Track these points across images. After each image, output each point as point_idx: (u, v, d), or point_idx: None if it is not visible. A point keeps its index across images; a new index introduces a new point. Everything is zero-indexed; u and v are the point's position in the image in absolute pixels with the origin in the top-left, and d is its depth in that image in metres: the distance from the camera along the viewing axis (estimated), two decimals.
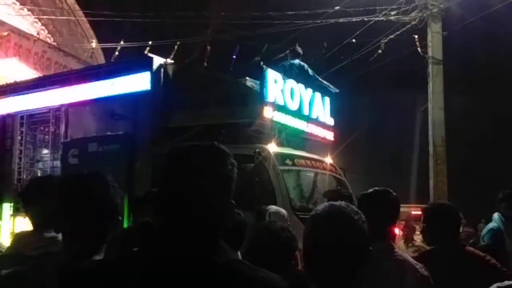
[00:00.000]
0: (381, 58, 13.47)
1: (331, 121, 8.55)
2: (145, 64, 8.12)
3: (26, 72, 13.59)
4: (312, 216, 1.84)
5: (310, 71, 8.76)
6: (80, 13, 17.10)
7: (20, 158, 9.05)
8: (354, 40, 13.48)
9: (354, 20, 13.49)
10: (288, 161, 7.59)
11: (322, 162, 8.04)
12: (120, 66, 8.58)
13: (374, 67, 14.21)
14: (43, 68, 14.20)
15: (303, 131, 8.08)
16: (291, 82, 7.85)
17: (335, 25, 13.84)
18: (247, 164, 7.45)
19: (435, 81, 12.66)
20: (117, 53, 13.18)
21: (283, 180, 7.29)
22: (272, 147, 7.47)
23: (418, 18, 12.91)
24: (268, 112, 7.48)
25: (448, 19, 13.18)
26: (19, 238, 2.71)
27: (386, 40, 13.08)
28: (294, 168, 7.64)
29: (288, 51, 9.13)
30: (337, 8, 13.72)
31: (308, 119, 8.07)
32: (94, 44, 15.76)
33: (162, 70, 8.06)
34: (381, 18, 13.28)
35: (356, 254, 1.78)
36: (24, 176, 8.97)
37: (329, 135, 8.50)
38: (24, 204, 2.89)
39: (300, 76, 8.33)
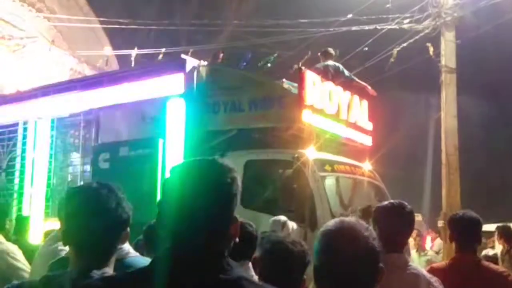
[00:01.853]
0: (394, 66, 13.01)
1: (369, 126, 7.87)
2: (178, 66, 7.55)
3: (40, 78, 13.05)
4: (322, 233, 1.75)
5: (346, 72, 8.14)
6: (95, 20, 16.64)
7: (50, 163, 8.45)
8: (366, 48, 13.14)
9: (366, 28, 13.11)
10: (327, 167, 7.00)
11: (361, 168, 7.38)
12: (152, 69, 7.97)
13: (386, 75, 13.67)
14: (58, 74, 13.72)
15: (341, 136, 7.41)
16: (329, 85, 7.21)
17: (347, 33, 13.50)
18: (285, 170, 6.84)
19: (448, 90, 12.13)
20: (132, 59, 12.72)
21: (323, 187, 6.64)
22: (311, 153, 6.84)
23: (432, 27, 12.44)
24: (306, 116, 6.84)
25: (461, 27, 12.67)
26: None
27: (399, 49, 12.56)
28: (333, 174, 7.03)
29: (319, 53, 8.44)
30: (349, 16, 13.40)
31: (346, 123, 7.39)
32: (108, 51, 15.29)
33: (195, 72, 7.43)
34: (394, 27, 12.84)
35: (368, 271, 1.69)
36: (54, 181, 8.42)
37: (368, 140, 7.85)
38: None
39: (336, 77, 7.65)
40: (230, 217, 1.55)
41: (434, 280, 2.79)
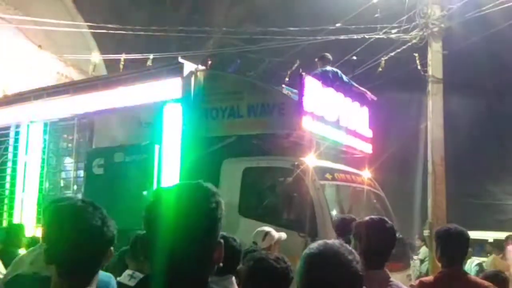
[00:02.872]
0: (382, 76, 12.88)
1: (369, 133, 7.59)
2: (175, 71, 7.23)
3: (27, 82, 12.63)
4: (305, 255, 1.71)
5: (344, 77, 7.87)
6: (83, 24, 16.25)
7: (42, 167, 8.06)
8: (354, 57, 12.88)
9: (355, 37, 13.02)
10: (328, 175, 6.72)
11: (361, 176, 7.11)
12: (149, 72, 7.61)
13: (374, 84, 13.56)
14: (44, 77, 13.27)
15: (341, 144, 7.13)
16: (330, 91, 6.93)
17: (336, 42, 13.28)
18: (284, 178, 6.54)
19: (434, 100, 12.00)
20: (121, 65, 12.39)
21: (324, 196, 6.35)
22: (311, 160, 6.54)
23: (419, 37, 12.37)
24: (307, 123, 6.54)
25: (448, 38, 12.62)
26: (37, 258, 2.62)
27: (386, 58, 12.49)
28: (334, 182, 6.72)
29: (316, 59, 8.16)
30: (338, 25, 13.27)
31: (346, 130, 7.11)
32: (96, 55, 14.94)
33: (193, 76, 7.11)
34: (382, 36, 12.72)
35: None
36: (47, 186, 8.04)
37: (367, 148, 7.57)
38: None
39: (334, 83, 7.37)
40: (214, 242, 1.51)
41: None
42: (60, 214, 1.86)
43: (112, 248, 1.88)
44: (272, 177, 6.86)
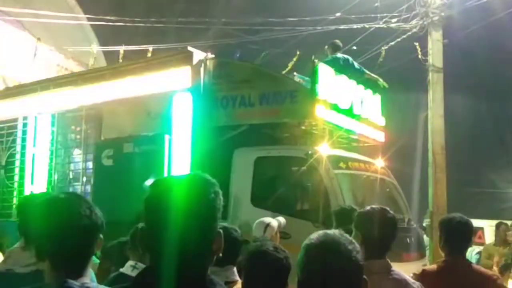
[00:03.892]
0: (382, 65, 12.69)
1: (382, 121, 7.37)
2: (185, 59, 6.98)
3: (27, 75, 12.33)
4: (305, 246, 1.68)
5: (356, 64, 7.65)
6: (82, 16, 15.96)
7: (51, 159, 7.84)
8: (354, 47, 12.46)
9: (355, 26, 12.69)
10: (342, 164, 6.49)
11: (374, 165, 6.91)
12: (157, 62, 7.35)
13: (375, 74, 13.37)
14: (43, 70, 13.02)
15: (354, 132, 6.91)
16: (342, 78, 6.70)
17: (336, 32, 12.88)
18: (298, 167, 6.34)
19: (435, 89, 11.77)
20: (120, 57, 12.15)
21: (338, 185, 6.14)
22: (325, 149, 6.33)
23: (419, 26, 12.11)
24: (320, 111, 6.31)
25: (449, 27, 12.41)
26: (10, 255, 2.63)
27: (387, 47, 12.11)
28: (348, 172, 6.51)
29: (326, 47, 7.91)
30: (338, 14, 12.99)
31: (359, 118, 6.90)
32: (95, 47, 14.70)
33: (202, 65, 6.87)
34: (381, 25, 12.46)
35: (351, 285, 1.64)
36: (56, 177, 7.83)
37: (380, 136, 7.35)
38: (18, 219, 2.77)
39: (346, 70, 7.14)
40: (214, 233, 1.49)
41: (416, 285, 2.75)
42: (45, 208, 1.81)
43: (101, 236, 1.85)
44: (285, 167, 6.65)
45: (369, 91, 7.24)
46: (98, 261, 5.24)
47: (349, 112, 6.81)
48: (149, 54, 11.64)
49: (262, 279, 2.47)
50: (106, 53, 15.48)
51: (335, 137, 6.74)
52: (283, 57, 12.19)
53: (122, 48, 12.52)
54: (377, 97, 7.43)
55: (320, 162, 6.20)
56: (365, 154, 7.29)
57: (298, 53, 10.71)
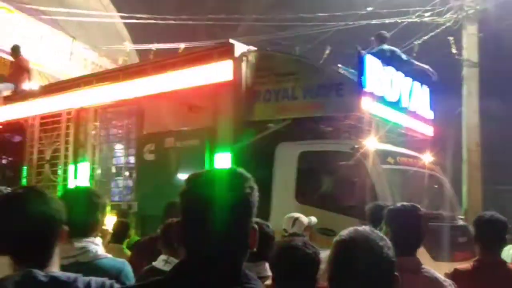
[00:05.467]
0: (416, 60, 12.27)
1: (430, 115, 7.03)
2: (226, 52, 6.74)
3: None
4: (336, 242, 1.67)
5: (403, 56, 7.32)
6: (115, 14, 16.01)
7: (93, 154, 7.77)
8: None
9: (387, 21, 12.36)
10: (390, 159, 6.16)
11: (422, 160, 6.57)
12: (199, 55, 7.16)
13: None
14: (79, 67, 13.19)
15: (402, 126, 6.59)
16: (390, 70, 6.38)
17: (367, 27, 12.64)
18: (343, 162, 6.04)
19: (469, 84, 11.54)
20: (151, 55, 12.13)
21: (386, 181, 5.84)
22: (372, 143, 6.03)
23: (453, 20, 11.80)
24: (366, 104, 6.01)
25: (484, 20, 12.04)
26: None
27: (419, 42, 11.83)
28: (396, 167, 6.17)
29: (372, 38, 7.60)
30: (369, 9, 12.84)
31: (407, 111, 6.57)
32: (128, 45, 14.72)
33: (244, 58, 6.62)
34: (415, 20, 12.26)
35: (383, 281, 1.61)
36: (99, 172, 7.77)
37: (429, 130, 7.01)
38: None
39: (393, 62, 6.81)
40: (248, 227, 1.48)
41: (448, 283, 2.69)
42: (2, 204, 1.86)
43: (65, 227, 1.84)
44: (330, 162, 6.35)
45: (418, 84, 6.89)
46: (127, 251, 5.16)
47: (396, 105, 6.49)
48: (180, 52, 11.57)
49: (292, 274, 2.47)
50: (138, 51, 15.53)
51: (381, 131, 6.43)
52: (314, 52, 11.95)
53: (153, 46, 12.58)
54: (426, 90, 7.08)
55: (367, 156, 5.89)
56: (410, 148, 6.98)
57: (329, 48, 10.47)
